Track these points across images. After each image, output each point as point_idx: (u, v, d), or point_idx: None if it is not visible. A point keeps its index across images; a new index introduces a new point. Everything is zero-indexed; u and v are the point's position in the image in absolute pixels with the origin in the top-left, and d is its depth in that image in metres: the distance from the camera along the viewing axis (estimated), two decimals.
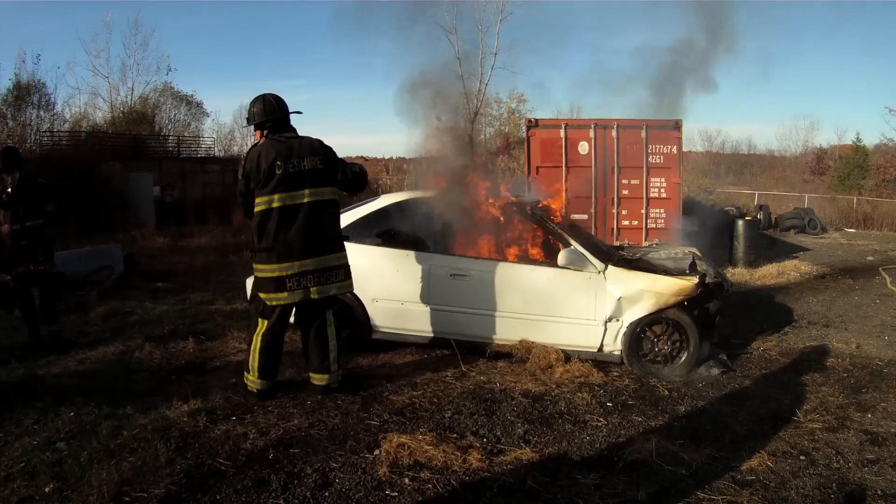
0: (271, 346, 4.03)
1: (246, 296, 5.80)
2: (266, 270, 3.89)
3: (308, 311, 4.06)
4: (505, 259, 5.13)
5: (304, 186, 3.87)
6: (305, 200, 3.88)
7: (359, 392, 4.24)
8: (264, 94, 4.09)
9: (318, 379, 4.12)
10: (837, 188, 26.40)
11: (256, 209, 3.88)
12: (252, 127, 4.11)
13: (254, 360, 4.00)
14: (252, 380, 4.05)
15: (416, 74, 5.63)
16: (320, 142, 4.11)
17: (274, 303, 3.93)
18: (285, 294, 3.88)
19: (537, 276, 4.95)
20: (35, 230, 5.14)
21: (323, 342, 4.08)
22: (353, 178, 4.15)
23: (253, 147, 3.99)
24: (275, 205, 3.83)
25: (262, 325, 3.99)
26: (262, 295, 3.96)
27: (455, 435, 3.61)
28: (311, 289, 3.92)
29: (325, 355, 4.08)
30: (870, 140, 33.40)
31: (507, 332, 4.99)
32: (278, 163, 3.82)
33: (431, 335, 5.12)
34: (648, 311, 4.75)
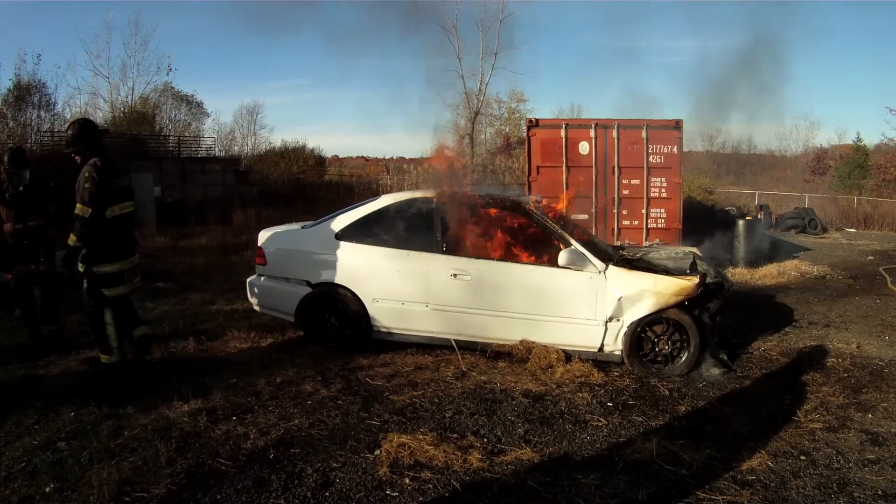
0: (120, 320, 4.67)
1: (247, 296, 5.82)
2: (109, 268, 4.55)
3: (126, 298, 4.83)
4: (505, 259, 5.13)
5: (125, 200, 4.65)
6: (128, 211, 4.68)
7: (359, 392, 4.25)
8: (80, 119, 4.87)
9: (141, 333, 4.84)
10: (838, 188, 26.36)
11: (106, 215, 4.49)
12: (80, 145, 4.55)
13: (111, 334, 4.59)
14: (115, 347, 4.59)
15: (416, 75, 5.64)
16: (126, 165, 5.05)
17: (114, 294, 4.59)
18: (122, 287, 4.63)
19: (538, 276, 4.95)
20: (37, 230, 5.14)
21: (134, 315, 4.89)
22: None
23: (92, 163, 4.46)
24: (116, 213, 4.54)
25: (108, 313, 4.58)
26: (105, 290, 4.56)
27: (455, 435, 3.61)
28: (135, 280, 4.81)
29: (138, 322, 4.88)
30: (870, 140, 33.36)
31: (507, 331, 4.99)
32: (115, 178, 4.57)
33: (432, 335, 5.12)
34: (649, 311, 4.75)
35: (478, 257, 5.07)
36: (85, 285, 4.55)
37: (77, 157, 4.58)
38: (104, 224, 4.46)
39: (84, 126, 4.65)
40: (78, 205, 4.36)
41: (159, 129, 23.75)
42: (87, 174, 4.41)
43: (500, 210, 5.30)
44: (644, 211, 9.95)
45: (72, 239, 4.41)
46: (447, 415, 3.91)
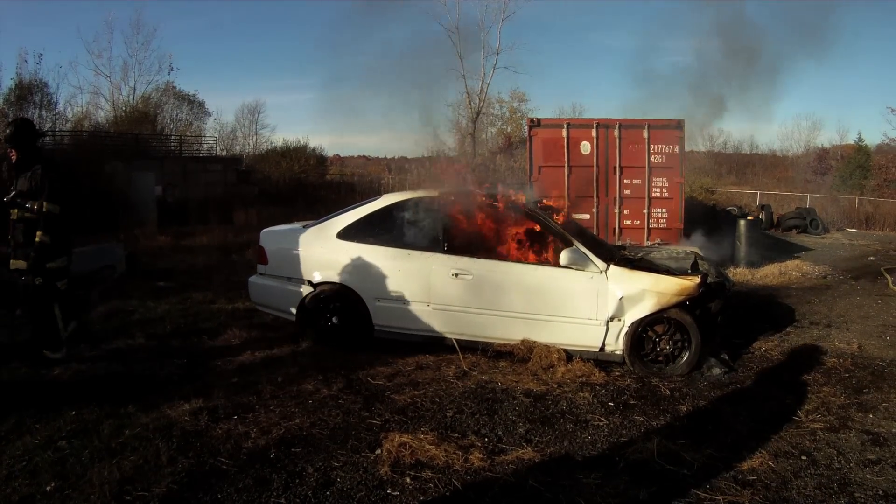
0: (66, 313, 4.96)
1: (248, 295, 5.83)
2: (61, 262, 4.78)
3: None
4: (507, 259, 5.13)
5: (66, 199, 4.80)
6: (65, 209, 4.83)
7: (360, 391, 4.25)
8: (19, 119, 5.13)
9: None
10: (839, 188, 26.32)
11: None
12: (18, 142, 4.74)
13: (62, 328, 4.82)
14: (64, 341, 4.81)
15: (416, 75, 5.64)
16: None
17: (63, 286, 4.88)
18: (66, 279, 4.93)
19: (539, 276, 4.95)
20: None
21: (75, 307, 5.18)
22: None
23: (44, 165, 4.72)
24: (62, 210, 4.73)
25: (57, 308, 4.82)
26: (58, 283, 4.83)
27: (457, 434, 3.61)
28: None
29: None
30: (872, 140, 33.28)
31: (508, 331, 4.99)
32: (63, 178, 4.84)
33: (433, 334, 5.12)
34: (650, 311, 4.74)
35: (479, 257, 5.07)
36: (37, 282, 4.66)
37: (13, 153, 4.76)
38: (63, 221, 4.73)
39: (22, 125, 4.92)
40: (47, 203, 4.59)
41: (161, 129, 23.79)
42: (45, 174, 4.65)
43: (501, 209, 5.29)
44: (645, 211, 9.95)
45: (45, 237, 4.59)
46: (448, 414, 3.91)
